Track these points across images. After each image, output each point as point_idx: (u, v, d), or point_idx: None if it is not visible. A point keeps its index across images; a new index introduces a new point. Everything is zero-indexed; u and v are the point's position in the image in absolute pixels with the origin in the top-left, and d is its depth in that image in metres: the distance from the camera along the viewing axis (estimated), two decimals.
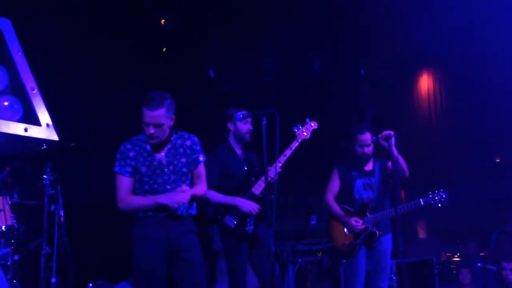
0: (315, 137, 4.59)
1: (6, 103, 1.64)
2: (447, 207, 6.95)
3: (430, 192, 4.17)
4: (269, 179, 3.46)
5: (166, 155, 3.24)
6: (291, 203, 5.51)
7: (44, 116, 1.67)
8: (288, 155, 4.09)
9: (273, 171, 3.66)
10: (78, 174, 5.16)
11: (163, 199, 3.11)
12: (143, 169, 3.20)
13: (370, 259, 4.35)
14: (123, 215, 5.08)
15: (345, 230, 4.35)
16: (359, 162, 4.45)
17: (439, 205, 4.14)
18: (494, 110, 7.15)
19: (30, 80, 1.67)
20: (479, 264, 5.68)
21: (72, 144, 4.02)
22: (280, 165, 3.97)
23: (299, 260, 5.59)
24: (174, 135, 3.32)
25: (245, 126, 4.01)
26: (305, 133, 4.24)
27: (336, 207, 4.39)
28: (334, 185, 4.47)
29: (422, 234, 7.12)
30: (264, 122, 3.29)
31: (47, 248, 3.89)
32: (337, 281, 5.06)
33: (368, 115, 7.62)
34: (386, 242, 4.35)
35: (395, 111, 7.76)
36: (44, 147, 3.92)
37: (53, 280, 3.86)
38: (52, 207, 3.96)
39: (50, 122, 1.67)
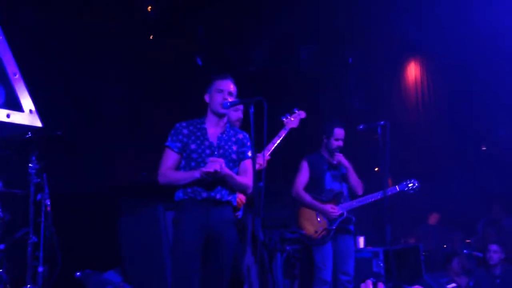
0: (303, 126, 4.64)
1: None
2: (434, 194, 7.08)
3: (404, 180, 4.48)
4: (257, 166, 3.46)
5: (218, 139, 3.32)
6: (280, 191, 5.53)
7: (26, 101, 1.63)
8: (276, 142, 4.20)
9: (261, 158, 3.70)
10: (65, 163, 5.10)
11: (197, 173, 3.14)
12: (193, 146, 3.26)
13: (337, 247, 4.55)
14: (110, 204, 5.08)
15: (318, 217, 4.54)
16: (328, 155, 4.68)
17: (411, 191, 4.45)
18: (481, 98, 7.21)
19: (12, 65, 1.63)
20: (465, 251, 5.77)
21: (58, 133, 3.98)
22: (268, 152, 4.05)
23: (288, 248, 5.63)
24: (228, 125, 3.42)
25: (234, 114, 3.99)
26: (293, 122, 4.35)
27: (308, 196, 4.59)
28: (304, 176, 4.66)
29: (432, 221, 7.19)
30: (252, 110, 3.26)
31: (34, 237, 3.86)
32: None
33: (356, 104, 7.64)
34: (351, 230, 4.62)
35: (383, 100, 7.79)
36: (30, 135, 3.90)
37: (40, 269, 3.84)
38: (39, 196, 3.93)
39: (33, 108, 1.64)
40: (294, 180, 4.68)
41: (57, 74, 5.41)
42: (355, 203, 4.56)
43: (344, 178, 4.68)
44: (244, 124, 3.95)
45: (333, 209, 4.48)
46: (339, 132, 4.63)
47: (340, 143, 4.64)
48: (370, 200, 4.53)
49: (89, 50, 5.81)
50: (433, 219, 7.27)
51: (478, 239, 6.56)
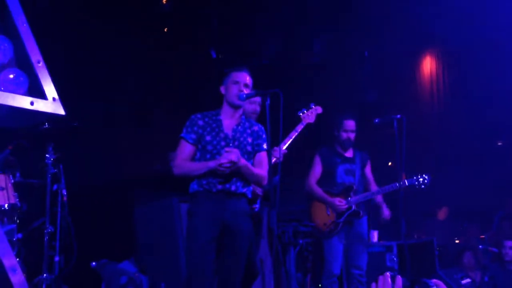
0: (318, 119, 4.63)
1: (11, 76, 1.60)
2: (448, 190, 7.02)
3: (414, 175, 4.36)
4: (273, 159, 3.46)
5: (234, 130, 3.31)
6: (294, 185, 5.55)
7: (50, 89, 1.64)
8: (292, 137, 4.19)
9: (278, 151, 3.68)
10: (81, 153, 5.13)
11: (211, 163, 3.13)
12: (208, 138, 3.25)
13: (349, 241, 4.57)
14: (125, 195, 5.11)
15: (327, 210, 4.55)
16: (341, 149, 4.67)
17: (422, 186, 4.35)
18: (497, 92, 7.11)
19: (36, 53, 1.63)
20: (480, 246, 5.72)
21: (74, 124, 4.02)
22: (285, 146, 4.03)
23: (300, 241, 5.63)
24: (243, 117, 3.41)
25: (250, 107, 3.97)
26: (310, 117, 4.36)
27: (318, 190, 4.59)
28: (317, 170, 4.67)
29: (441, 216, 7.14)
30: (268, 102, 3.25)
31: (50, 227, 3.90)
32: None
33: (371, 97, 7.59)
34: (364, 224, 4.62)
35: (398, 93, 7.73)
36: (46, 126, 3.94)
37: (57, 258, 3.88)
38: (55, 186, 3.97)
39: (56, 96, 1.64)
40: (308, 174, 4.69)
41: (72, 65, 5.43)
42: (363, 197, 4.56)
43: (356, 171, 4.67)
44: (260, 117, 3.94)
45: (341, 203, 4.48)
46: (348, 123, 4.61)
47: (350, 135, 4.63)
48: (378, 194, 4.55)
49: (104, 41, 5.83)
50: (442, 214, 7.21)
51: (493, 234, 6.49)
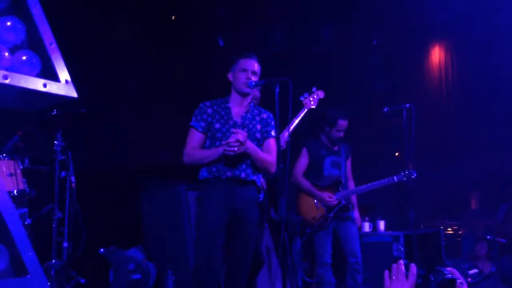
0: (325, 108, 4.58)
1: (24, 58, 1.59)
2: (457, 180, 6.99)
3: (401, 171, 4.33)
4: None
5: (243, 118, 3.31)
6: None
7: (63, 72, 1.62)
8: (294, 123, 4.16)
9: (282, 139, 3.67)
10: (89, 140, 5.13)
11: (220, 148, 3.13)
12: (217, 125, 3.25)
13: (341, 232, 4.57)
14: (134, 182, 5.11)
15: (316, 203, 4.53)
16: (329, 142, 4.65)
17: (410, 181, 4.31)
18: (506, 81, 7.06)
19: (48, 34, 1.62)
20: (488, 237, 5.71)
21: (83, 110, 4.01)
22: (287, 133, 4.01)
23: (307, 230, 5.63)
24: (252, 104, 3.41)
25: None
26: (312, 102, 4.29)
27: (306, 183, 4.58)
28: (302, 161, 4.66)
29: (474, 205, 7.08)
30: (277, 90, 3.22)
31: (59, 213, 3.91)
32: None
33: (379, 86, 7.55)
34: (352, 215, 4.64)
35: (406, 83, 7.68)
36: (55, 112, 3.93)
37: (65, 244, 3.90)
38: (63, 173, 3.97)
39: (69, 79, 1.62)
40: (294, 165, 4.67)
41: (79, 52, 5.41)
42: (352, 192, 4.59)
43: (342, 164, 4.69)
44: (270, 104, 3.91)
45: (331, 198, 4.47)
46: (342, 123, 4.58)
47: (341, 134, 4.62)
48: (367, 189, 4.55)
49: (111, 29, 5.80)
50: (474, 202, 7.12)
51: (499, 224, 6.46)
